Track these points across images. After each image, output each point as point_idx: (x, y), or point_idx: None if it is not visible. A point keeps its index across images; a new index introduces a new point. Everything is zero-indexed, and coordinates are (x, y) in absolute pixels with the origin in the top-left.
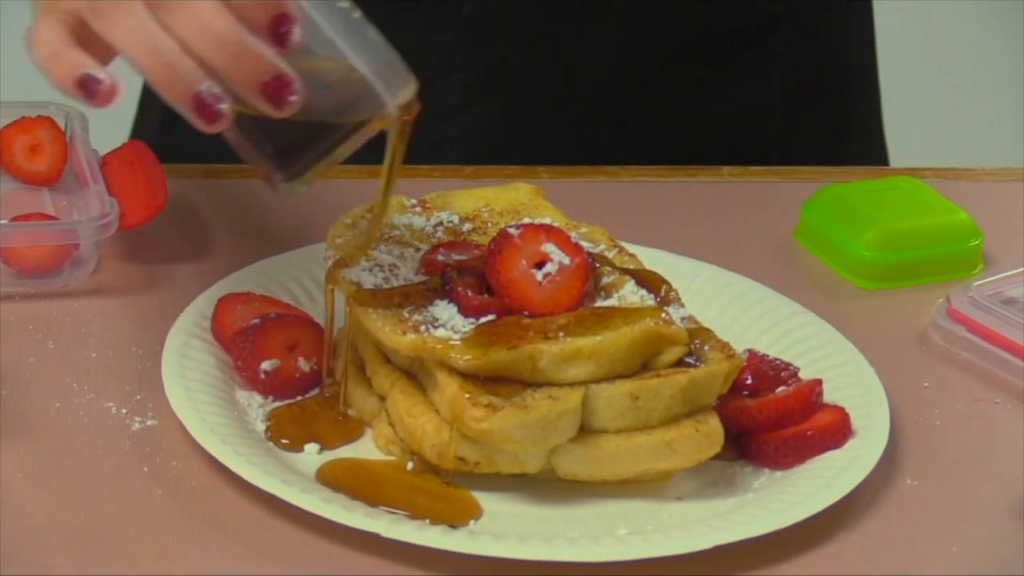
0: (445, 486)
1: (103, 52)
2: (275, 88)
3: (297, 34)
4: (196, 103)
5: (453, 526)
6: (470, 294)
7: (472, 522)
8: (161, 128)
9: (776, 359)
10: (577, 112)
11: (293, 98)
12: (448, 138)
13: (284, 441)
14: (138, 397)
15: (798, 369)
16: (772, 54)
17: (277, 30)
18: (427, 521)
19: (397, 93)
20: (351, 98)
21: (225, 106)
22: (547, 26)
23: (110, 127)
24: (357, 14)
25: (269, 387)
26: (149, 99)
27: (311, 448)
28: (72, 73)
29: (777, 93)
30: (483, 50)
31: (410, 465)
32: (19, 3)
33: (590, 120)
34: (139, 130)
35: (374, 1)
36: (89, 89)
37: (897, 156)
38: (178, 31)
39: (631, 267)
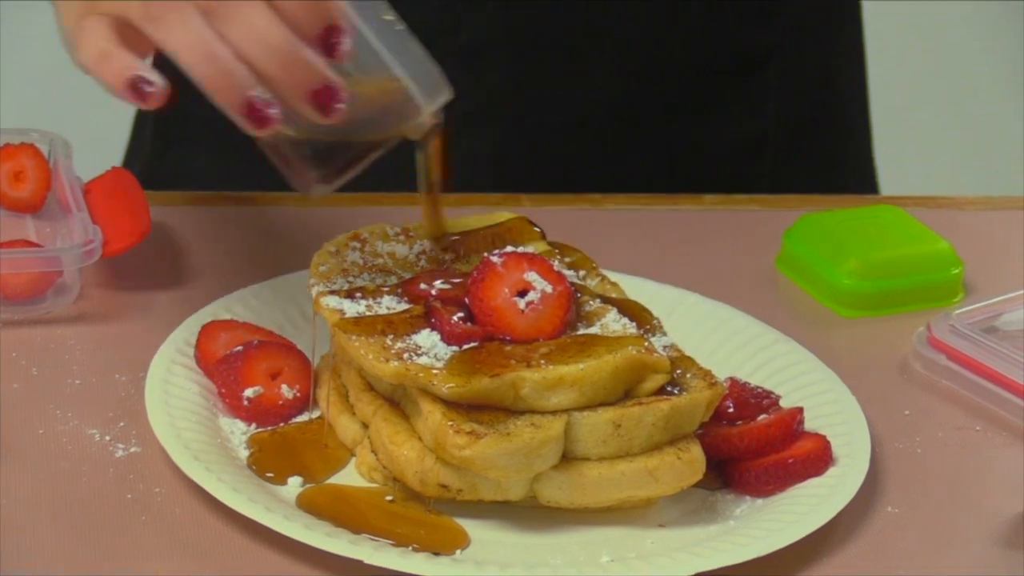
0: (428, 514)
1: (143, 52)
2: (324, 96)
3: (347, 44)
4: (248, 108)
5: (437, 554)
6: (453, 322)
7: (458, 551)
8: (153, 154)
9: (757, 387)
10: (573, 143)
11: (341, 106)
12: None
13: (269, 475)
14: (122, 424)
15: (779, 397)
16: (765, 86)
17: (328, 40)
18: (411, 548)
19: (434, 101)
20: (391, 106)
21: (275, 111)
22: (542, 57)
23: (94, 154)
24: (401, 26)
25: (252, 414)
26: (141, 125)
27: (295, 481)
28: (124, 74)
29: (770, 125)
30: (477, 80)
31: (389, 498)
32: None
33: (584, 151)
34: (131, 156)
35: None
36: (141, 91)
37: (888, 186)
38: (232, 38)
39: (613, 295)
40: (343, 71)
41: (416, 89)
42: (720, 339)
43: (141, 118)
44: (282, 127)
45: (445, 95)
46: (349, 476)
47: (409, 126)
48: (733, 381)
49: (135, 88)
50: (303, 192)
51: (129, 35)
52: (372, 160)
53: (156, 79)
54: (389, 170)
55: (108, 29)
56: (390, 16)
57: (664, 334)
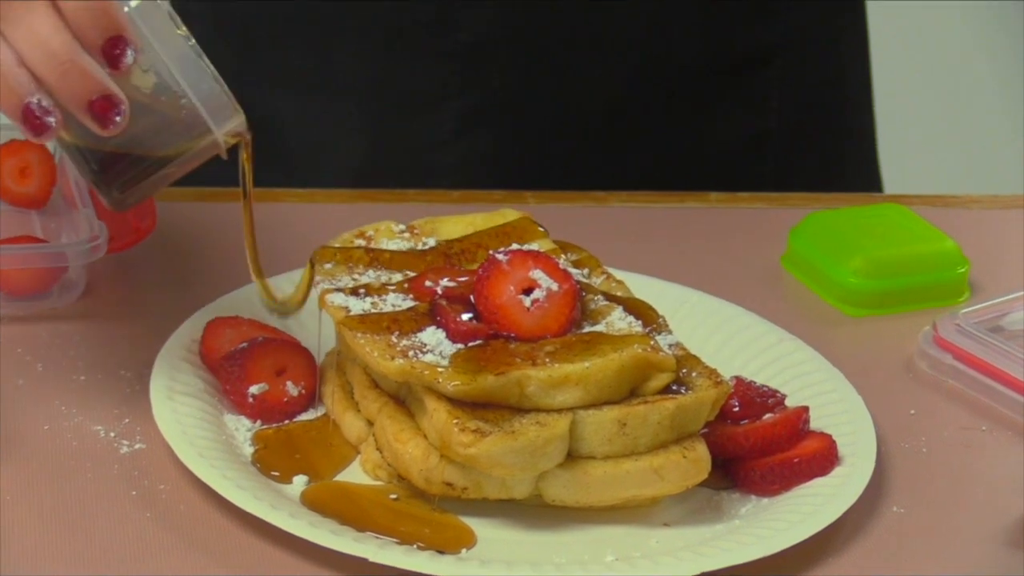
0: (433, 512)
1: None
2: (101, 107)
3: (130, 57)
4: (25, 114)
5: (443, 552)
6: (458, 320)
7: (464, 550)
8: None
9: (763, 386)
10: (573, 141)
11: (119, 119)
12: (443, 166)
13: (274, 473)
14: (126, 420)
15: (785, 396)
16: (768, 84)
17: (111, 51)
18: (416, 546)
19: (222, 123)
20: (179, 123)
21: (52, 119)
22: (543, 55)
23: None
24: (192, 42)
25: (257, 411)
26: None
27: (300, 479)
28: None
29: (773, 122)
30: (479, 79)
31: (394, 496)
32: None
33: (586, 149)
34: None
35: (371, 29)
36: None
37: (892, 184)
38: (14, 42)
39: (619, 294)
40: (136, 85)
41: (203, 110)
42: (725, 338)
43: None
44: (73, 137)
45: (234, 120)
46: (354, 474)
47: (202, 145)
48: (739, 380)
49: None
50: (103, 200)
51: None
52: (168, 177)
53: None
54: (392, 170)
55: None
56: (182, 31)
57: (670, 332)
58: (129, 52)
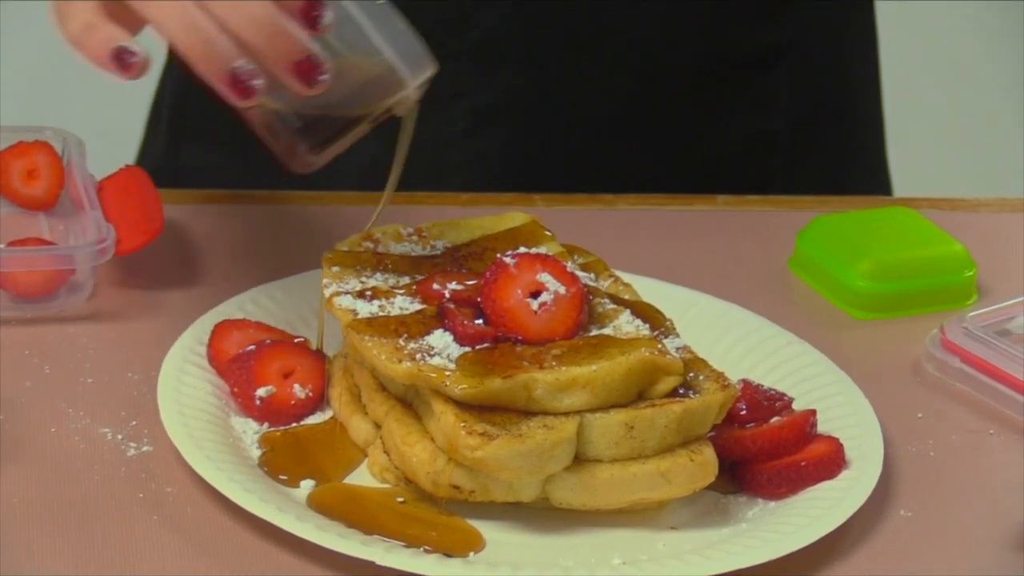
0: (441, 515)
1: (131, 28)
2: (306, 68)
3: (328, 18)
4: (231, 79)
5: (450, 555)
6: (466, 323)
7: (472, 553)
8: (166, 152)
9: (770, 389)
10: (583, 140)
11: (323, 77)
12: (453, 165)
13: (282, 477)
14: (134, 423)
15: (792, 399)
16: (777, 84)
17: (310, 14)
18: (423, 549)
19: (418, 76)
20: (374, 80)
21: (258, 82)
22: (553, 54)
23: (107, 152)
24: (383, 0)
25: (265, 414)
26: (155, 123)
27: (307, 483)
28: (107, 46)
29: (781, 123)
30: (489, 77)
31: (401, 499)
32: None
33: (595, 149)
34: (144, 154)
35: None
36: (124, 62)
37: (901, 186)
38: (215, 10)
39: (626, 297)
40: (329, 45)
41: (399, 63)
42: (733, 341)
43: (155, 116)
44: (268, 100)
45: (429, 69)
46: (361, 477)
47: (394, 101)
48: (746, 383)
49: (118, 58)
50: (292, 168)
51: (114, 10)
52: (358, 136)
53: (138, 49)
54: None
55: (93, 4)
56: None
57: (677, 336)
58: (327, 13)
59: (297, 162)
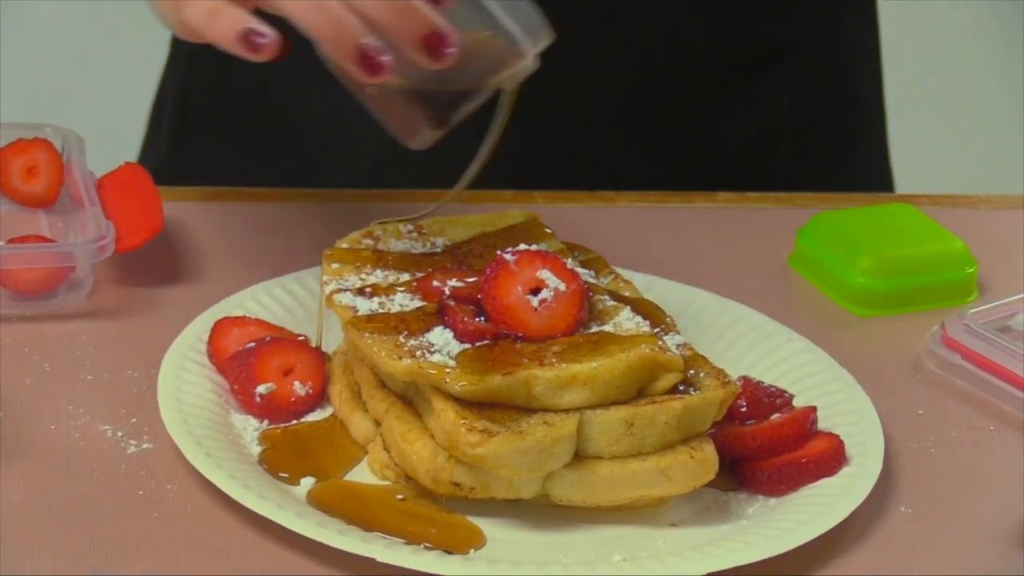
0: (441, 512)
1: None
2: (435, 41)
3: None
4: (360, 56)
5: (451, 552)
6: (466, 320)
7: (472, 550)
8: (171, 147)
9: (771, 386)
10: (585, 138)
11: (451, 50)
12: (456, 162)
13: (283, 475)
14: (134, 420)
15: (793, 396)
16: (779, 80)
17: None
18: (423, 546)
19: (538, 45)
20: (493, 50)
21: (387, 58)
22: (557, 52)
23: (107, 149)
24: None
25: (265, 411)
26: (158, 121)
27: (307, 480)
28: (235, 28)
29: (784, 119)
30: None
31: (400, 496)
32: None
33: (599, 147)
34: (147, 152)
35: None
36: (253, 44)
37: (902, 182)
38: None
39: (627, 294)
40: (451, 18)
41: (520, 33)
42: (733, 338)
43: (157, 113)
44: (391, 78)
45: (547, 38)
46: (361, 474)
47: (514, 71)
48: (746, 380)
49: (248, 40)
50: (411, 144)
51: None
52: (472, 109)
53: (268, 31)
54: (407, 165)
55: None
56: None
57: (677, 332)
58: None
59: (418, 138)
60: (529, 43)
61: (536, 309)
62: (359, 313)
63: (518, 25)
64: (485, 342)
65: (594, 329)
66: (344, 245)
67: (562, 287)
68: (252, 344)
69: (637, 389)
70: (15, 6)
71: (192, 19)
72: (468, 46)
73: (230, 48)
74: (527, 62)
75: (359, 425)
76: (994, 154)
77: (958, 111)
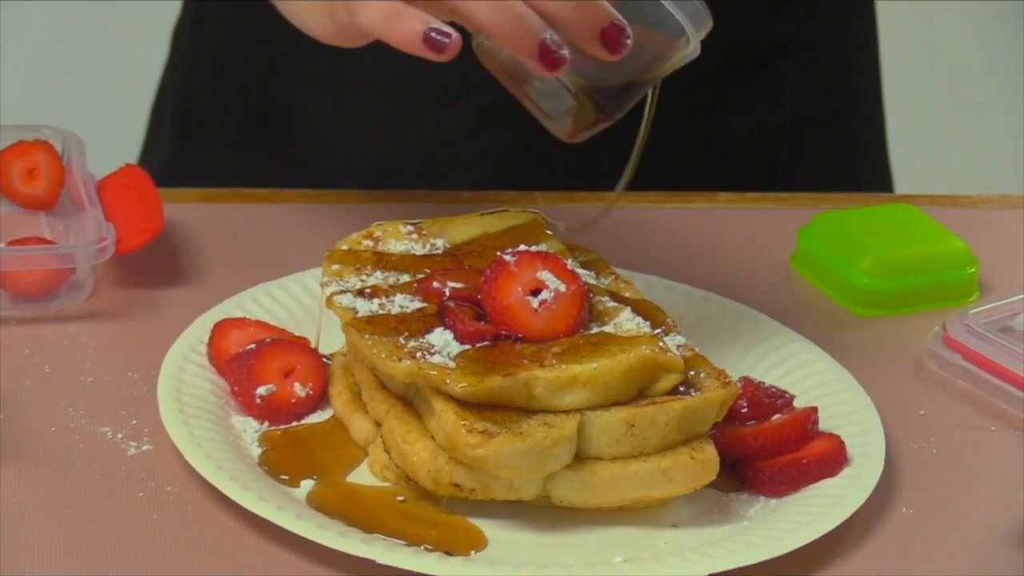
0: (441, 513)
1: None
2: (612, 34)
3: None
4: (542, 50)
5: (451, 554)
6: (466, 321)
7: (472, 551)
8: (170, 152)
9: (772, 387)
10: (588, 138)
11: (628, 42)
12: (460, 162)
13: (283, 477)
14: (134, 422)
15: (794, 397)
16: (779, 81)
17: None
18: (423, 548)
19: (702, 32)
20: (657, 42)
21: (566, 52)
22: None
23: (107, 151)
24: None
25: (265, 412)
26: (158, 123)
27: (308, 482)
28: (418, 29)
29: (785, 118)
30: (494, 77)
31: (401, 498)
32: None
33: (602, 144)
34: (148, 154)
35: None
36: (437, 44)
37: (902, 183)
38: None
39: (627, 294)
40: (622, 10)
41: (687, 22)
42: (734, 338)
43: (157, 115)
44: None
45: (710, 23)
46: (361, 475)
47: (676, 59)
48: (747, 380)
49: (432, 41)
50: (569, 137)
51: None
52: (638, 99)
53: (451, 31)
54: (410, 164)
55: None
56: None
57: (678, 333)
58: None
59: (579, 134)
60: (695, 31)
61: (536, 310)
62: (359, 314)
63: (684, 13)
64: (485, 343)
65: (594, 330)
66: (344, 246)
67: (562, 288)
68: (252, 346)
69: (638, 390)
70: (15, 7)
71: (369, 21)
72: (637, 38)
73: (411, 49)
74: (691, 50)
75: (359, 427)
76: (994, 154)
77: (958, 111)
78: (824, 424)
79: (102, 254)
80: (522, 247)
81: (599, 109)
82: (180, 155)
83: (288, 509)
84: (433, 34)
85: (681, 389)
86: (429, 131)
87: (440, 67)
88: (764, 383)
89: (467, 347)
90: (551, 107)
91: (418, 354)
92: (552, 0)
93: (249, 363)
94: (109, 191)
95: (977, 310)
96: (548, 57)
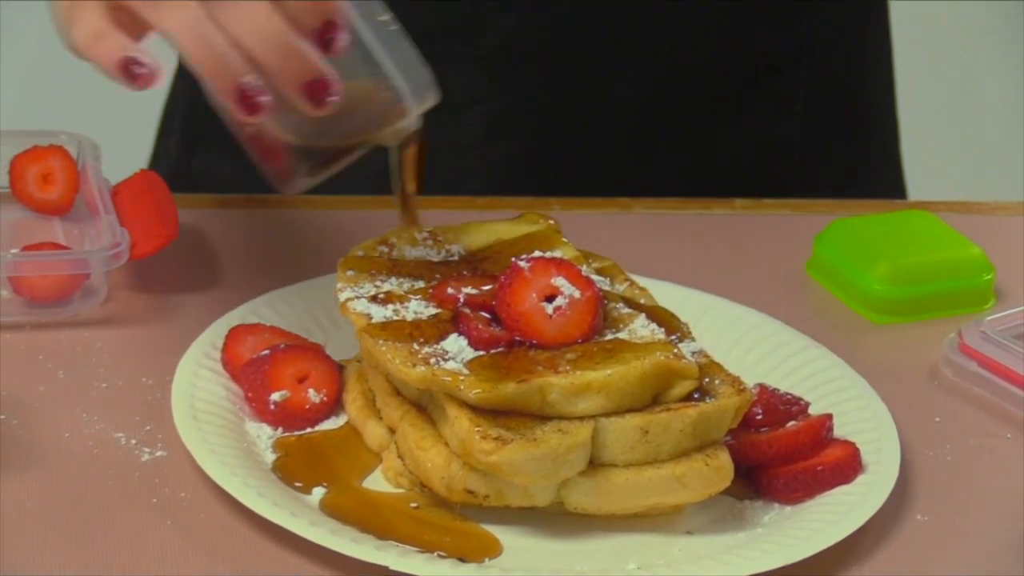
0: (455, 520)
1: (138, 36)
2: (317, 88)
3: (343, 41)
4: (239, 94)
5: (465, 560)
6: (480, 327)
7: (486, 558)
8: (180, 156)
9: (786, 393)
10: (600, 145)
11: (332, 99)
12: (470, 171)
13: (297, 484)
14: (148, 428)
15: (808, 403)
16: (793, 87)
17: (324, 36)
18: (437, 555)
19: (422, 105)
20: (378, 104)
21: (266, 99)
22: (570, 59)
23: (122, 156)
24: (395, 26)
25: (279, 418)
26: (168, 127)
27: (322, 489)
28: (116, 55)
29: (798, 126)
30: (507, 83)
31: (414, 504)
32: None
33: (613, 154)
34: (158, 158)
35: None
36: (131, 72)
37: (916, 190)
38: (228, 24)
39: (642, 301)
40: (338, 66)
41: (407, 91)
42: (749, 345)
43: (167, 120)
44: (270, 121)
45: (433, 99)
46: (375, 481)
47: (395, 128)
48: (762, 387)
49: (126, 70)
50: (282, 189)
51: (123, 18)
52: (350, 161)
53: (147, 60)
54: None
55: (102, 11)
56: (385, 16)
57: (693, 340)
58: (342, 36)
59: (290, 184)
60: (414, 101)
61: (551, 316)
62: (373, 320)
63: (406, 81)
64: (499, 349)
65: (609, 336)
66: (359, 252)
67: (577, 294)
68: (267, 351)
69: (652, 396)
70: (27, 12)
71: (77, 41)
72: (352, 97)
73: (109, 75)
74: (410, 120)
75: (373, 433)
76: (1009, 161)
77: (972, 118)
78: (839, 431)
79: (116, 259)
80: (537, 253)
81: (306, 164)
82: (190, 160)
83: (302, 515)
84: (129, 64)
85: (696, 396)
86: (438, 139)
87: (448, 77)
88: (779, 390)
89: (481, 353)
90: (262, 153)
91: (432, 360)
92: (258, 44)
93: (263, 369)
94: (124, 196)
95: (993, 317)
96: (244, 102)
